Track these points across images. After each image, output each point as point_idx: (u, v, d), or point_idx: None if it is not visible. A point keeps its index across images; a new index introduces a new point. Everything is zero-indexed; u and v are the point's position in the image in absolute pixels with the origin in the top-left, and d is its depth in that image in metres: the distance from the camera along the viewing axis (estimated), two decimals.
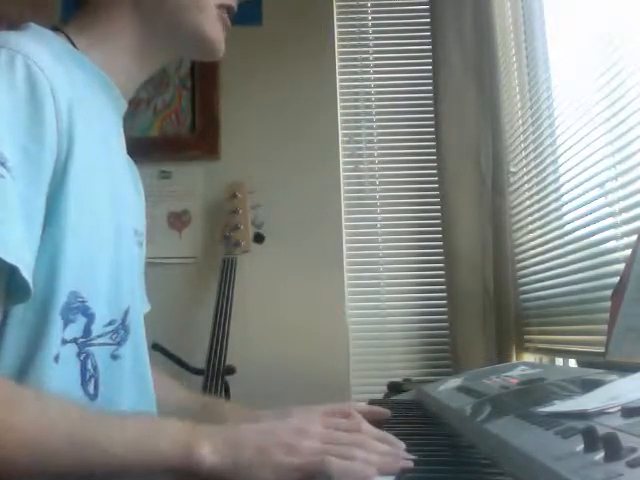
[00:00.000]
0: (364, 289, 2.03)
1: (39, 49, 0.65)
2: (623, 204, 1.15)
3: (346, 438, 0.58)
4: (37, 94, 0.61)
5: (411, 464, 0.55)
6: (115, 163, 0.78)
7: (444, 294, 1.83)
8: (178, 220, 2.05)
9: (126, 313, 0.75)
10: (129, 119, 2.22)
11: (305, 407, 0.77)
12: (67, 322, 0.65)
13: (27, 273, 0.58)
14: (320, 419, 0.61)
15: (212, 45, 0.80)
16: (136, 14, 0.77)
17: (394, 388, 1.58)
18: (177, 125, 2.09)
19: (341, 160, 2.08)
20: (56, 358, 0.63)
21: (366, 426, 0.62)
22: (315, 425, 0.59)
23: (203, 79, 2.08)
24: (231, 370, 1.71)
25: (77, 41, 0.74)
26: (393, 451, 0.57)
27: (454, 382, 0.96)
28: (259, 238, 1.93)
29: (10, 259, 0.56)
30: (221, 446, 0.54)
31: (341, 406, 0.81)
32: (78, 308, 0.67)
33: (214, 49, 0.81)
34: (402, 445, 0.59)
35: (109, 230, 0.72)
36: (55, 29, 0.74)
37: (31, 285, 0.59)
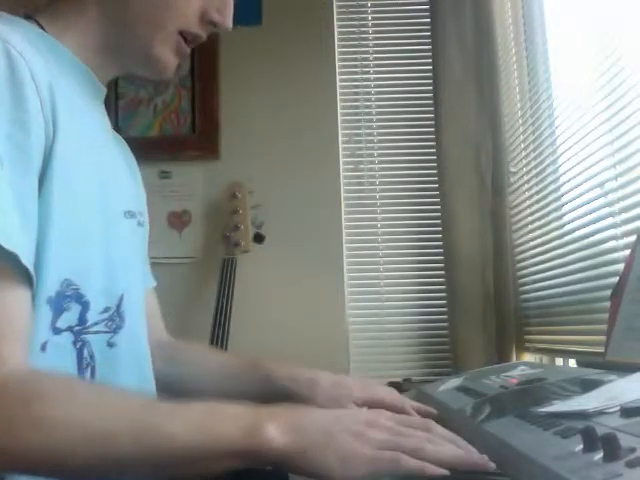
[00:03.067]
0: (364, 289, 2.03)
1: (15, 34, 0.64)
2: (623, 204, 1.14)
3: (417, 434, 0.56)
4: (18, 79, 0.60)
5: (485, 463, 0.53)
6: (101, 145, 0.77)
7: (444, 294, 1.83)
8: (178, 220, 2.05)
9: (120, 300, 0.74)
10: (129, 119, 2.22)
11: (362, 378, 0.76)
12: (61, 310, 0.65)
13: (26, 260, 0.57)
14: (389, 413, 0.60)
15: (156, 66, 0.78)
16: (100, 15, 0.76)
17: (394, 388, 1.58)
18: (177, 125, 2.08)
19: (341, 160, 2.08)
20: (43, 347, 0.63)
21: (435, 425, 0.61)
22: (384, 417, 0.58)
23: (203, 79, 2.08)
24: None
25: (49, 29, 0.73)
26: (466, 449, 0.56)
27: (454, 382, 0.96)
28: (259, 238, 1.93)
29: (9, 246, 0.55)
30: (287, 429, 0.53)
31: (396, 399, 0.84)
32: (71, 296, 0.66)
33: (158, 70, 0.78)
34: (472, 448, 0.57)
35: (98, 214, 0.71)
36: (27, 17, 0.74)
37: (32, 272, 0.58)
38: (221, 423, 0.54)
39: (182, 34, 0.77)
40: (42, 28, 0.73)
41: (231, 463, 0.54)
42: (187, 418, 0.54)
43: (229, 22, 0.79)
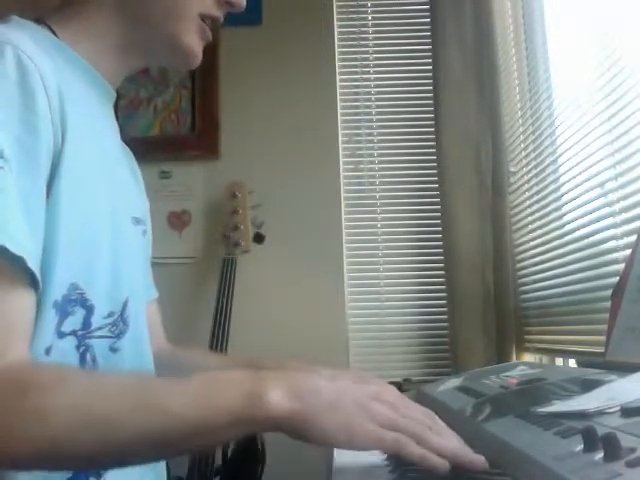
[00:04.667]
0: (364, 289, 2.03)
1: (26, 39, 0.64)
2: (623, 204, 1.14)
3: (422, 419, 0.56)
4: (28, 83, 0.60)
5: (481, 462, 0.53)
6: (109, 151, 0.77)
7: (444, 294, 1.83)
8: (178, 220, 2.05)
9: (125, 305, 0.74)
10: (129, 119, 2.21)
11: (362, 373, 0.77)
12: (66, 314, 0.65)
13: (32, 264, 0.57)
14: (393, 388, 0.60)
15: (186, 55, 0.80)
16: (118, 15, 0.76)
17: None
18: (177, 125, 2.09)
19: (341, 160, 2.08)
20: (47, 350, 0.63)
21: (437, 418, 0.61)
22: (392, 394, 0.58)
23: (203, 79, 2.08)
24: None
25: (60, 33, 0.73)
26: (464, 446, 0.56)
27: (454, 382, 0.96)
28: (259, 238, 1.93)
29: (15, 250, 0.55)
30: (289, 393, 0.53)
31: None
32: (76, 300, 0.66)
33: (188, 59, 0.80)
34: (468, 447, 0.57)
35: (106, 219, 0.71)
36: (37, 21, 0.74)
37: (38, 276, 0.58)
38: (222, 393, 0.53)
39: (202, 19, 0.79)
40: (53, 32, 0.73)
41: (237, 432, 0.53)
42: (187, 392, 0.54)
43: (243, 0, 0.81)
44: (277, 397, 0.52)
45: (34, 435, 0.51)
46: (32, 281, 0.58)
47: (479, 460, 0.53)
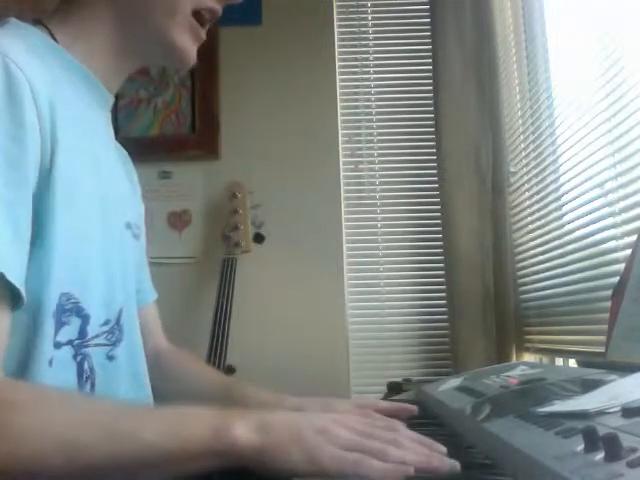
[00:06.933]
0: (364, 289, 2.03)
1: (17, 46, 0.63)
2: (623, 204, 1.14)
3: (383, 435, 0.57)
4: (16, 94, 0.59)
5: (448, 467, 0.53)
6: (103, 157, 0.77)
7: (444, 294, 1.83)
8: (178, 220, 2.05)
9: (120, 312, 0.74)
10: (129, 119, 2.22)
11: (329, 399, 0.78)
12: (61, 324, 0.65)
13: (15, 279, 0.57)
14: (357, 414, 0.60)
15: (180, 54, 0.78)
16: (113, 15, 0.75)
17: (394, 388, 1.58)
18: (177, 125, 2.08)
19: (341, 160, 2.08)
20: (50, 362, 0.63)
21: (403, 427, 0.61)
22: (352, 418, 0.59)
23: (203, 79, 2.08)
24: (231, 370, 1.71)
25: (58, 35, 0.73)
26: (430, 453, 0.55)
27: (454, 382, 0.96)
28: (259, 238, 1.94)
29: None
30: (255, 427, 0.54)
31: (365, 403, 0.81)
32: (71, 310, 0.66)
33: (182, 58, 0.79)
34: (442, 449, 0.57)
35: (98, 227, 0.71)
36: (37, 22, 0.73)
37: (22, 291, 0.58)
38: (191, 425, 0.54)
39: (199, 13, 0.77)
40: (52, 34, 0.72)
41: (203, 464, 0.54)
42: (157, 422, 0.54)
43: None
44: (242, 431, 0.53)
45: (1, 455, 0.50)
46: (13, 295, 0.58)
47: (445, 466, 0.53)
